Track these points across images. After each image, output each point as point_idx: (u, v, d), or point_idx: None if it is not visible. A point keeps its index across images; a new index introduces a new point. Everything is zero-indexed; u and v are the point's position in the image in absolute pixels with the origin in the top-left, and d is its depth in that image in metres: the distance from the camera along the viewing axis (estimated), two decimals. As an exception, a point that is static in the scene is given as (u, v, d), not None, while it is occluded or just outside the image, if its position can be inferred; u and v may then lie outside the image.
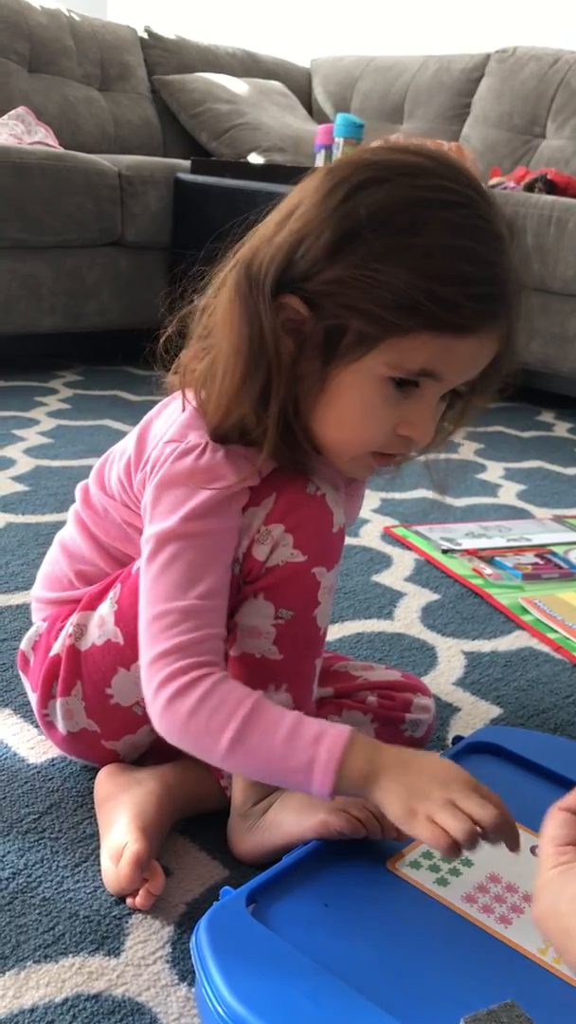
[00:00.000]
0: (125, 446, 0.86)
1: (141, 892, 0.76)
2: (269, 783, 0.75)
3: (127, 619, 0.82)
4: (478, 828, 0.68)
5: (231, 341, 0.73)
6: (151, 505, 0.77)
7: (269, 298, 0.71)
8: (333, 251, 0.70)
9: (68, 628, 0.87)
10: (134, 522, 0.85)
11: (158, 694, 0.72)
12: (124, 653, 0.83)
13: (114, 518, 0.87)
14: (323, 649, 0.85)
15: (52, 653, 0.87)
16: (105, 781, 0.87)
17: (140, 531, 0.85)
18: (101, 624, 0.84)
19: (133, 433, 0.85)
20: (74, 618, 0.87)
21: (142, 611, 0.75)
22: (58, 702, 0.87)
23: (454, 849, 0.67)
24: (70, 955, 0.71)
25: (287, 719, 0.71)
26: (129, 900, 0.76)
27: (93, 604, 0.86)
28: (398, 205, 0.69)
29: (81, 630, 0.86)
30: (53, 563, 0.93)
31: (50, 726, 0.90)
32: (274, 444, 0.75)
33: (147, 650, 0.74)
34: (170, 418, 0.80)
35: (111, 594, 0.85)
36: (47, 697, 0.88)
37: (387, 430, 0.75)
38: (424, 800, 0.68)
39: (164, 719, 0.73)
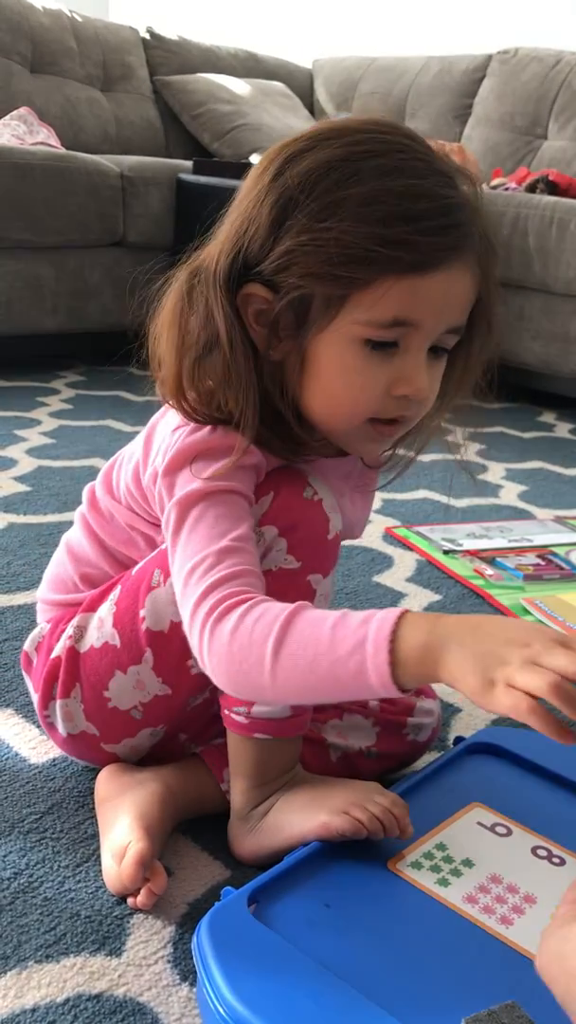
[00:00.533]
0: (133, 449, 0.85)
1: (143, 891, 0.75)
2: (326, 694, 0.65)
3: (124, 621, 0.82)
4: (566, 683, 0.57)
5: (172, 339, 0.74)
6: (167, 487, 0.75)
7: (223, 294, 0.71)
8: (276, 226, 0.70)
9: (69, 630, 0.87)
10: (139, 527, 0.85)
11: (202, 634, 0.68)
12: (120, 656, 0.83)
13: (119, 523, 0.87)
14: None
15: (53, 655, 0.87)
16: (106, 781, 0.87)
17: (145, 536, 0.85)
18: (100, 626, 0.84)
19: (140, 436, 0.85)
20: (75, 620, 0.87)
21: (176, 574, 0.72)
22: (57, 704, 0.87)
23: (540, 714, 0.57)
24: (71, 955, 0.71)
25: (332, 614, 0.66)
26: (130, 900, 0.76)
27: (94, 606, 0.86)
28: (328, 164, 0.69)
29: (81, 632, 0.86)
30: (59, 565, 0.93)
31: (51, 727, 0.90)
32: (255, 430, 0.74)
33: (185, 604, 0.71)
34: (175, 419, 0.80)
35: (111, 596, 0.85)
36: (48, 698, 0.88)
37: (379, 393, 0.73)
38: (502, 665, 0.58)
39: (212, 652, 0.67)
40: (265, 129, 3.20)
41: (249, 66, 3.60)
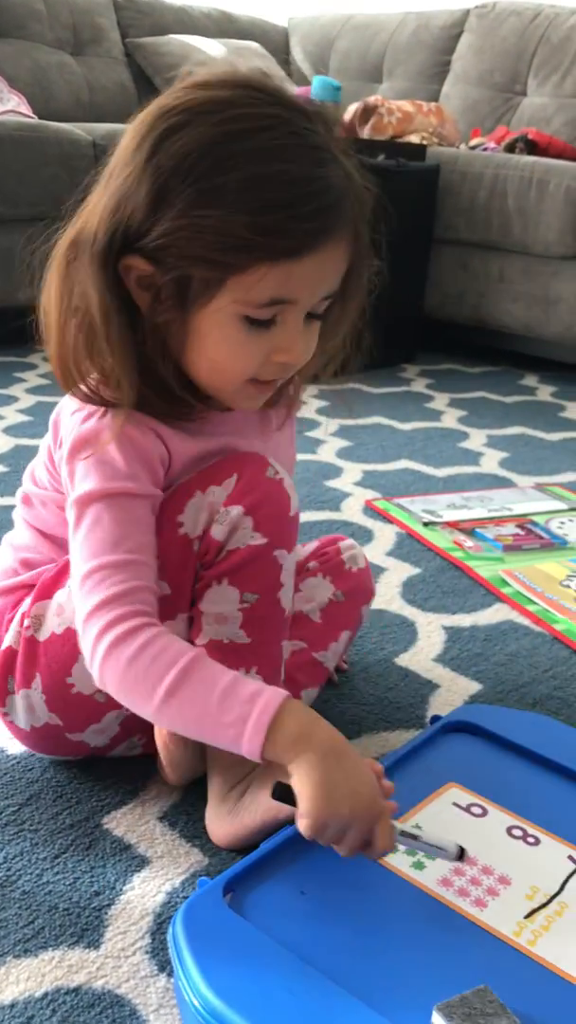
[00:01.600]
0: (45, 439, 0.87)
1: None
2: (198, 739, 0.75)
3: None
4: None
5: (57, 312, 0.75)
6: (69, 475, 0.79)
7: (100, 269, 0.72)
8: (152, 208, 0.70)
9: (24, 621, 0.86)
10: (64, 505, 0.86)
11: (98, 642, 0.73)
12: None
13: (51, 508, 0.88)
14: (288, 630, 0.85)
15: (4, 646, 0.87)
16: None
17: None
18: (60, 612, 0.84)
19: (50, 422, 0.86)
20: (28, 608, 0.86)
21: (74, 572, 0.77)
22: (18, 696, 0.86)
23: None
24: (50, 949, 0.71)
25: (226, 676, 0.72)
26: None
27: (48, 592, 0.86)
28: (201, 148, 0.69)
29: (39, 621, 0.86)
30: None
31: (11, 724, 0.89)
32: (135, 393, 0.76)
33: (82, 605, 0.75)
34: (73, 402, 0.82)
35: (68, 581, 0.84)
36: (4, 693, 0.88)
37: (260, 360, 0.76)
38: (336, 814, 0.68)
39: (105, 667, 0.73)
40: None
41: (223, 26, 3.53)
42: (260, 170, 0.69)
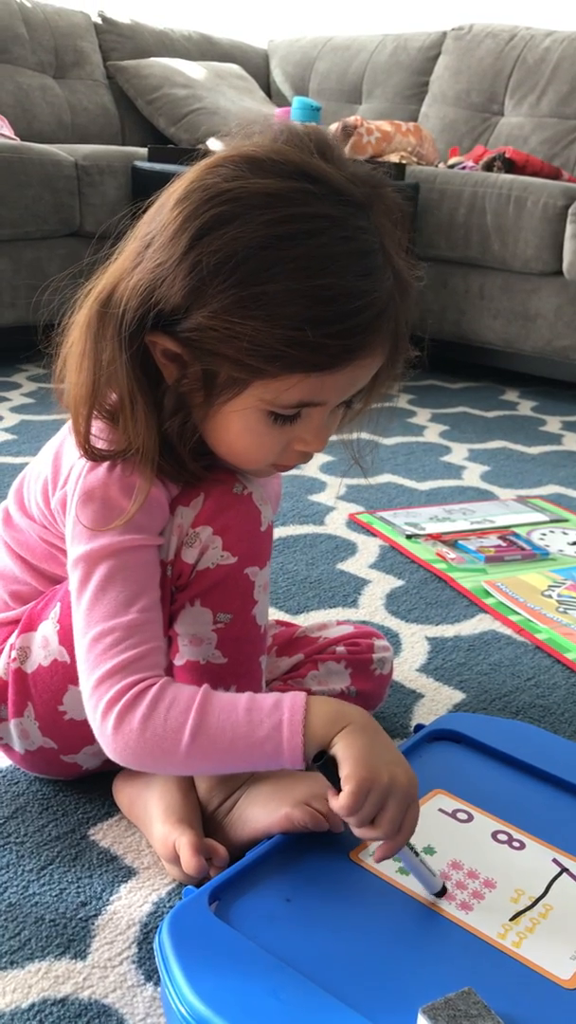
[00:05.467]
0: (40, 469, 0.85)
1: (211, 872, 0.78)
2: (234, 768, 0.74)
3: (71, 637, 0.82)
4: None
5: (81, 382, 0.73)
6: (74, 524, 0.76)
7: (129, 345, 0.71)
8: (186, 302, 0.68)
9: (11, 652, 0.86)
10: (55, 542, 0.85)
11: (107, 714, 0.72)
12: (72, 671, 0.82)
13: (37, 540, 0.87)
14: (266, 645, 0.86)
15: None
16: (123, 787, 0.87)
17: (62, 550, 0.84)
18: (45, 644, 0.84)
19: (48, 455, 0.84)
20: (15, 641, 0.86)
21: (81, 633, 0.75)
22: (11, 724, 0.87)
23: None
24: (36, 960, 0.71)
25: (241, 698, 0.72)
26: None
27: (33, 624, 0.86)
28: (246, 251, 0.66)
29: (25, 652, 0.85)
30: None
31: (7, 748, 0.90)
32: (155, 468, 0.75)
33: (91, 672, 0.73)
34: None
35: (51, 613, 0.84)
36: None
37: (280, 449, 0.76)
38: (378, 779, 0.69)
39: (117, 737, 0.71)
40: (221, 112, 3.17)
41: (204, 48, 3.57)
42: (303, 283, 0.66)
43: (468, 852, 0.79)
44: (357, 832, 0.71)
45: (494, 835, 0.82)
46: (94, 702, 0.73)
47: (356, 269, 0.68)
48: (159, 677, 0.73)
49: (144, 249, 0.72)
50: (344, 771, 0.69)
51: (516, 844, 0.81)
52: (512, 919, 0.73)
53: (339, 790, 0.70)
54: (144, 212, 0.74)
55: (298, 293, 0.66)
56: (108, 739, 0.72)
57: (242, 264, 0.66)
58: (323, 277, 0.67)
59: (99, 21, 3.36)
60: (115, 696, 0.72)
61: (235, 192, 0.67)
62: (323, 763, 0.70)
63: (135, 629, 0.73)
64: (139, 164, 2.66)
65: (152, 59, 3.31)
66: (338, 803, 0.69)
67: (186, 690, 0.72)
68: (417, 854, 0.73)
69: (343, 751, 0.69)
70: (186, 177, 0.71)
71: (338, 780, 0.70)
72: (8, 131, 2.74)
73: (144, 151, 2.74)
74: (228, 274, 0.66)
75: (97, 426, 0.76)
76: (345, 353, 0.69)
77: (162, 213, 0.71)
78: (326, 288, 0.67)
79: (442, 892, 0.74)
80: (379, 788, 0.69)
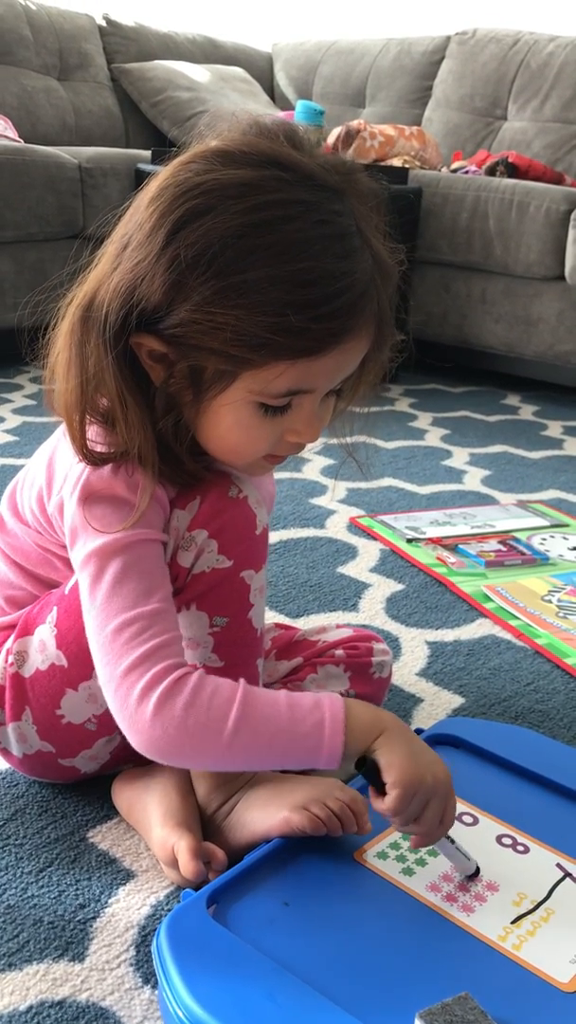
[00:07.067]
0: (34, 476, 0.85)
1: (210, 876, 0.78)
2: (268, 765, 0.73)
3: (68, 641, 0.82)
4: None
5: (70, 389, 0.73)
6: (80, 524, 0.75)
7: (113, 348, 0.70)
8: (168, 298, 0.68)
9: (8, 657, 0.86)
10: (51, 548, 0.85)
11: (143, 703, 0.70)
12: (70, 675, 0.83)
13: (32, 545, 0.87)
14: (264, 648, 0.86)
15: None
16: (122, 790, 0.88)
17: (60, 558, 0.84)
18: (42, 649, 0.84)
19: (41, 461, 0.84)
20: (12, 645, 0.86)
21: (99, 629, 0.73)
22: (9, 728, 0.87)
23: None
24: (34, 962, 0.71)
25: (281, 694, 0.73)
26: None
27: (29, 628, 0.86)
28: (222, 240, 0.66)
29: (22, 657, 0.85)
30: None
31: (5, 752, 0.90)
32: (156, 468, 0.75)
33: (116, 662, 0.72)
34: None
35: (49, 617, 0.84)
36: None
37: (273, 441, 0.76)
38: (423, 781, 0.72)
39: (156, 723, 0.69)
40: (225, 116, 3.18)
41: (208, 51, 3.57)
42: (282, 269, 0.66)
43: (472, 855, 0.79)
44: (400, 829, 0.74)
45: (498, 839, 0.82)
46: (125, 690, 0.71)
47: (334, 251, 0.68)
48: (193, 667, 0.73)
49: (122, 251, 0.72)
50: (391, 777, 0.71)
51: (520, 848, 0.81)
52: (513, 922, 0.73)
53: (380, 792, 0.72)
54: (121, 216, 0.74)
55: (277, 279, 0.66)
56: (145, 725, 0.70)
57: (220, 254, 0.66)
58: (301, 261, 0.66)
59: (103, 24, 3.37)
60: (151, 682, 0.70)
61: (208, 184, 0.67)
62: (367, 768, 0.73)
63: (158, 617, 0.73)
64: (142, 166, 2.66)
65: (156, 62, 3.32)
66: (384, 805, 0.72)
67: (224, 682, 0.72)
68: (452, 841, 0.76)
69: (386, 756, 0.72)
70: (159, 176, 0.71)
71: (380, 784, 0.72)
72: (12, 133, 2.74)
73: (148, 154, 2.75)
74: (206, 266, 0.66)
75: (94, 430, 0.76)
76: (329, 337, 0.69)
77: (137, 213, 0.71)
78: (305, 272, 0.67)
79: (476, 873, 0.77)
80: (424, 790, 0.72)
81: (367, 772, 0.73)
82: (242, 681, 0.72)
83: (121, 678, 0.71)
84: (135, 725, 0.71)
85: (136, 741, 0.72)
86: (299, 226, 0.67)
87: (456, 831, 0.81)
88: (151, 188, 0.71)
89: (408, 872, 0.77)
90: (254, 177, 0.68)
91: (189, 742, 0.70)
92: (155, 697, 0.70)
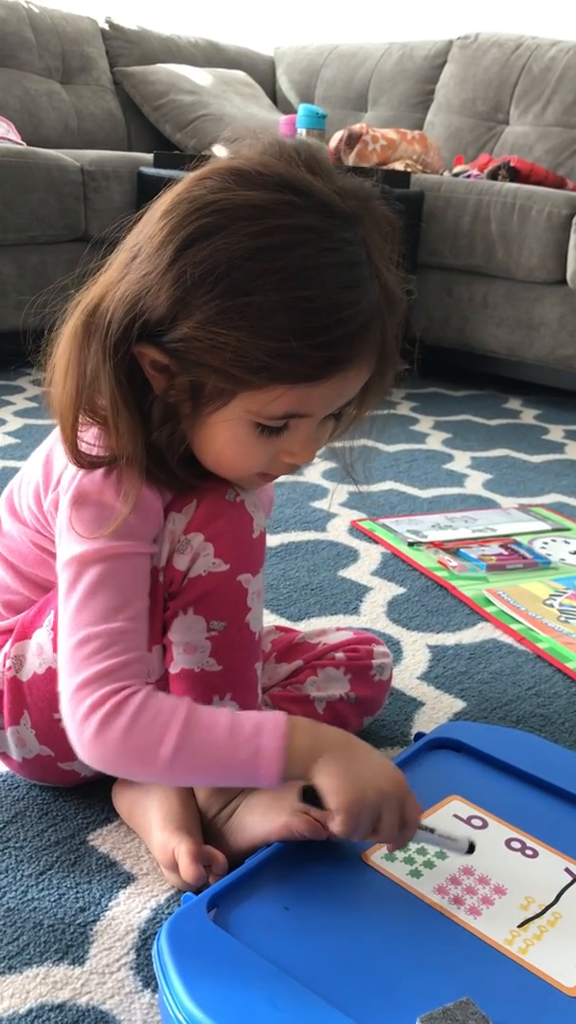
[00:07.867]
0: (31, 474, 0.85)
1: (210, 880, 0.78)
2: (208, 784, 0.75)
3: None
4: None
5: (67, 391, 0.73)
6: (66, 526, 0.75)
7: (114, 357, 0.70)
8: (172, 313, 0.68)
9: (6, 661, 0.86)
10: (48, 547, 0.85)
11: (86, 721, 0.71)
12: None
13: (29, 545, 0.87)
14: (262, 651, 0.86)
15: None
16: (122, 793, 0.87)
17: (54, 556, 0.84)
18: (40, 652, 0.84)
19: (38, 460, 0.84)
20: (10, 649, 0.86)
21: (66, 635, 0.74)
22: (8, 732, 0.87)
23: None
24: (35, 965, 0.71)
25: (223, 716, 0.72)
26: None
27: (27, 632, 0.86)
28: (230, 262, 0.66)
29: (20, 661, 0.85)
30: None
31: (4, 756, 0.90)
32: (143, 475, 0.74)
33: (71, 676, 0.72)
34: None
35: (45, 621, 0.84)
36: None
37: (267, 459, 0.76)
38: (364, 800, 0.71)
39: (96, 745, 0.71)
40: (227, 119, 3.18)
41: (210, 55, 3.58)
42: (287, 295, 0.66)
43: (480, 858, 0.79)
44: (366, 840, 0.74)
45: (508, 842, 0.82)
46: (75, 704, 0.72)
47: (341, 281, 0.68)
48: (142, 686, 0.72)
49: (131, 260, 0.72)
50: (332, 803, 0.71)
51: (529, 852, 0.81)
52: (520, 926, 0.73)
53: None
54: (134, 224, 0.74)
55: (282, 304, 0.66)
56: (85, 743, 0.71)
57: (226, 275, 0.66)
58: (307, 288, 0.66)
59: (106, 27, 3.38)
60: (97, 702, 0.71)
61: (220, 204, 0.67)
62: (308, 797, 0.73)
63: (120, 636, 0.73)
64: (145, 170, 2.66)
65: (158, 65, 3.32)
66: (335, 830, 0.72)
67: (169, 702, 0.72)
68: (432, 831, 0.75)
69: (324, 782, 0.71)
70: (173, 189, 0.71)
71: (326, 809, 0.72)
72: (15, 135, 2.75)
73: (150, 157, 2.75)
74: (212, 285, 0.66)
75: (92, 432, 0.76)
76: (330, 364, 0.69)
77: (149, 225, 0.71)
78: (310, 299, 0.67)
79: (471, 849, 0.77)
80: (368, 806, 0.71)
81: (311, 800, 0.73)
82: (186, 702, 0.72)
83: (74, 692, 0.72)
84: (79, 740, 0.72)
85: (80, 755, 0.73)
86: (307, 252, 0.67)
87: (465, 834, 0.81)
88: (164, 200, 0.71)
89: (416, 874, 0.77)
90: (267, 200, 0.67)
91: (128, 762, 0.71)
92: (98, 717, 0.70)
